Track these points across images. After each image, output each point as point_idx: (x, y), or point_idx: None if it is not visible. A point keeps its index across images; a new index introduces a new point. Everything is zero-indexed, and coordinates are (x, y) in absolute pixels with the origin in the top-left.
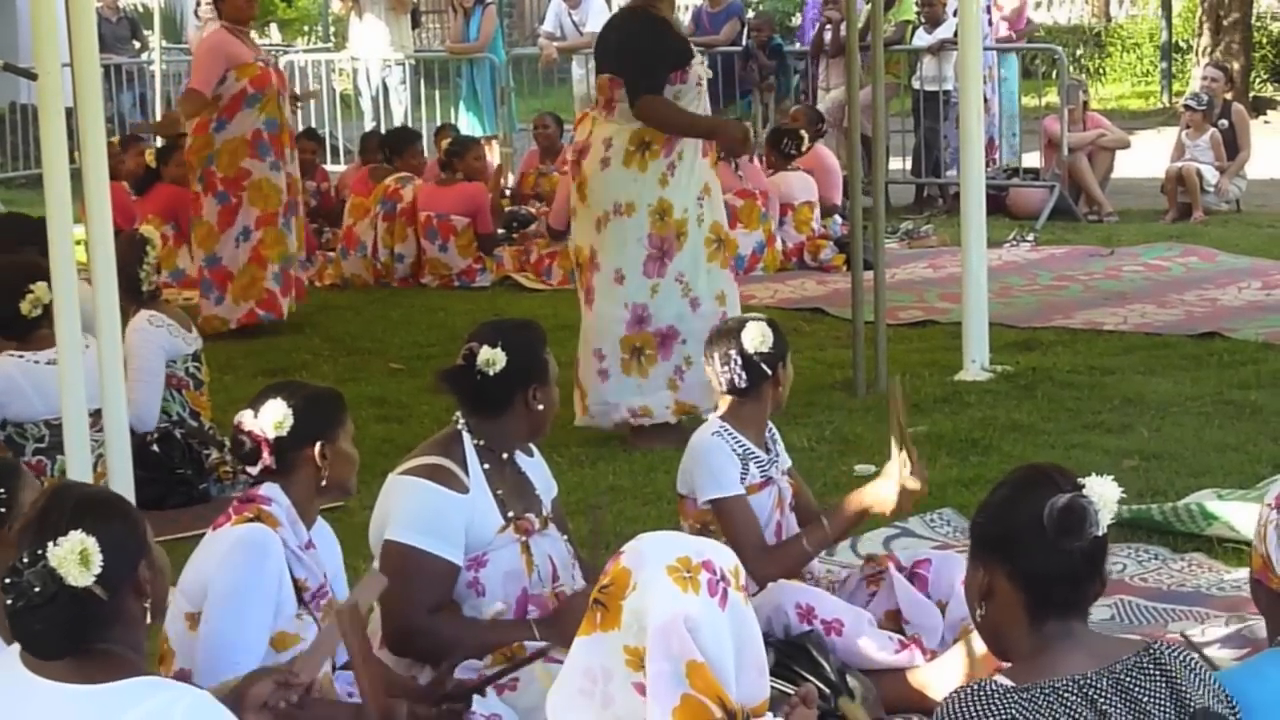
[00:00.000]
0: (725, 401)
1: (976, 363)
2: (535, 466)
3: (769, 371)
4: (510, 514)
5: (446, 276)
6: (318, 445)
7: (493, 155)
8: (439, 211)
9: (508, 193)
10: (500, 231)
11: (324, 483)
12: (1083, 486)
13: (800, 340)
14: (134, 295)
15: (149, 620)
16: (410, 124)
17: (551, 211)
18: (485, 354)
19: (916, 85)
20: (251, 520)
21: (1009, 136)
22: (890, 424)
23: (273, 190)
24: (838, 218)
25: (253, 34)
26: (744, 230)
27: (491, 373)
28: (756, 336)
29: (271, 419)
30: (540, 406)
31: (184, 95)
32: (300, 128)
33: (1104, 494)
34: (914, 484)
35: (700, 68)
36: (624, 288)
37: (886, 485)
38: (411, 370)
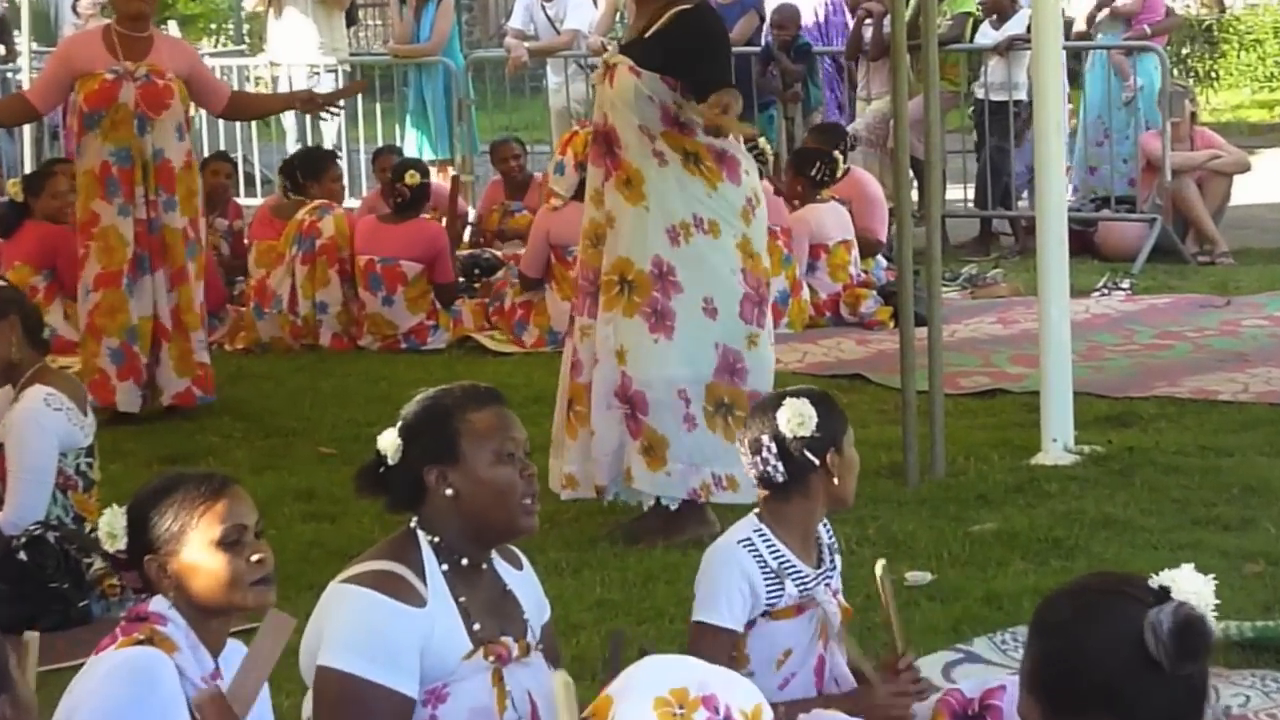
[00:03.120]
0: (764, 497)
1: (1058, 442)
2: (524, 582)
3: (814, 461)
4: (479, 631)
5: (391, 337)
6: None
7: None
8: (384, 255)
9: (467, 232)
10: (460, 280)
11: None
12: (1167, 591)
13: None
14: (35, 347)
15: None
16: (345, 145)
17: (524, 255)
18: (383, 440)
19: (980, 94)
20: (141, 643)
21: (1117, 160)
22: (884, 619)
23: (119, 242)
24: (881, 260)
25: (166, 33)
26: None
27: (391, 462)
28: (794, 417)
29: None
30: (448, 491)
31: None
32: (206, 150)
33: (1199, 592)
34: (901, 709)
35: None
36: (717, 324)
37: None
38: (346, 456)
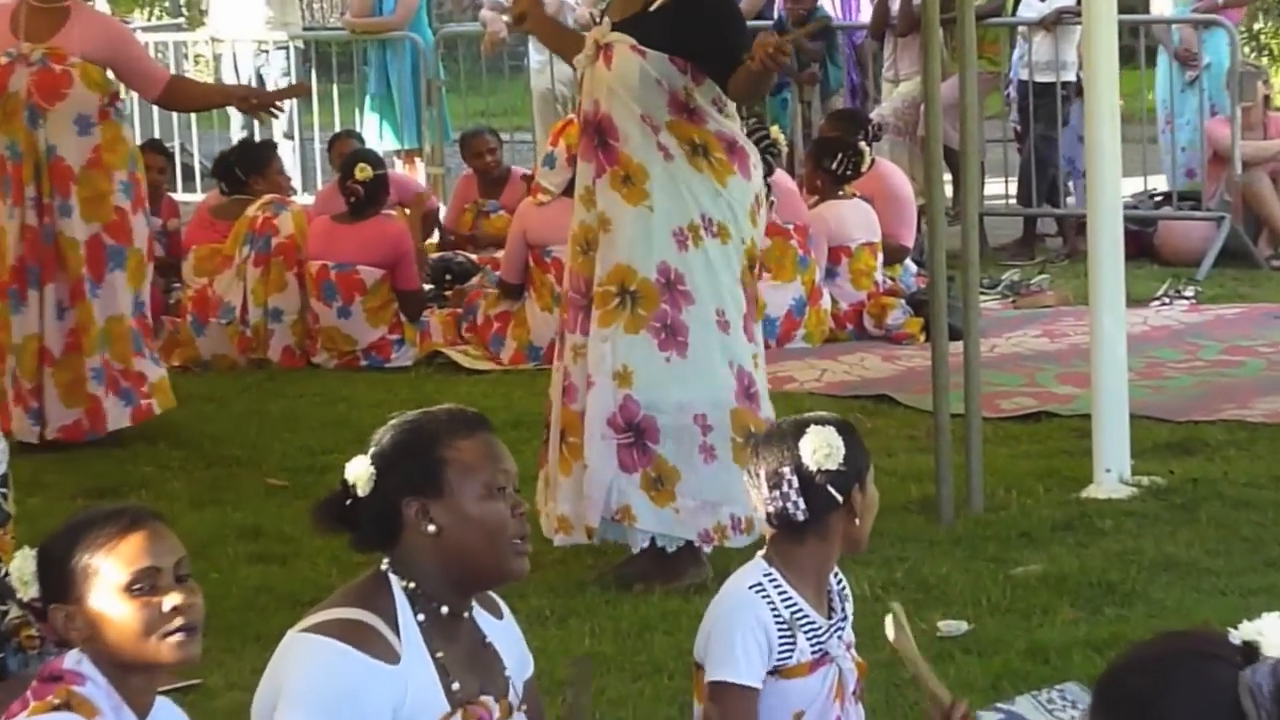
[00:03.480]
0: (774, 537)
1: (1113, 473)
2: (504, 633)
3: (839, 499)
4: (457, 691)
5: (350, 353)
6: None
7: (417, 175)
8: (339, 260)
9: (436, 233)
10: (428, 288)
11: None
12: (1255, 647)
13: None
14: None
15: None
16: (298, 132)
17: (503, 258)
18: (352, 468)
19: (1023, 75)
20: (57, 708)
21: (1176, 149)
22: (912, 674)
23: (2, 247)
24: (911, 265)
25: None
26: (772, 282)
27: (361, 493)
28: (820, 448)
29: None
30: (429, 527)
31: None
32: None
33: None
34: None
35: (585, 55)
36: (730, 340)
37: None
38: (299, 488)
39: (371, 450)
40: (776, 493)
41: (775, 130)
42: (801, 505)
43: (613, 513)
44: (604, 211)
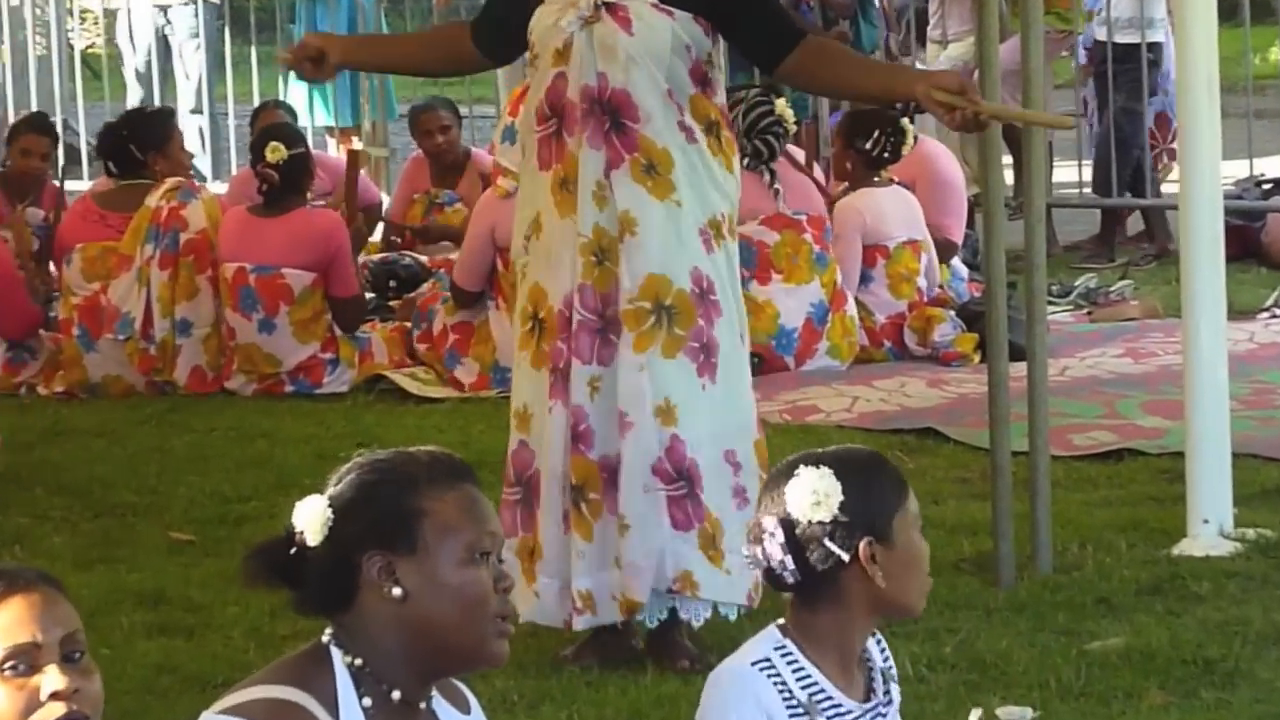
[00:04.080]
0: (790, 603)
1: (1211, 524)
2: None
3: (841, 555)
4: None
5: (272, 376)
6: None
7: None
8: (259, 261)
9: (379, 230)
10: (369, 296)
11: None
12: None
13: None
14: None
15: None
16: (208, 106)
17: (459, 260)
18: (304, 510)
19: (1100, 35)
20: None
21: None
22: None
23: None
24: (962, 268)
25: None
26: (783, 284)
27: (312, 542)
28: (807, 495)
29: None
30: (395, 591)
31: None
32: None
33: None
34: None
35: (557, 7)
36: (746, 355)
37: None
38: (209, 544)
39: (329, 490)
40: (759, 548)
41: (781, 105)
42: (789, 564)
43: (670, 582)
44: (627, 210)
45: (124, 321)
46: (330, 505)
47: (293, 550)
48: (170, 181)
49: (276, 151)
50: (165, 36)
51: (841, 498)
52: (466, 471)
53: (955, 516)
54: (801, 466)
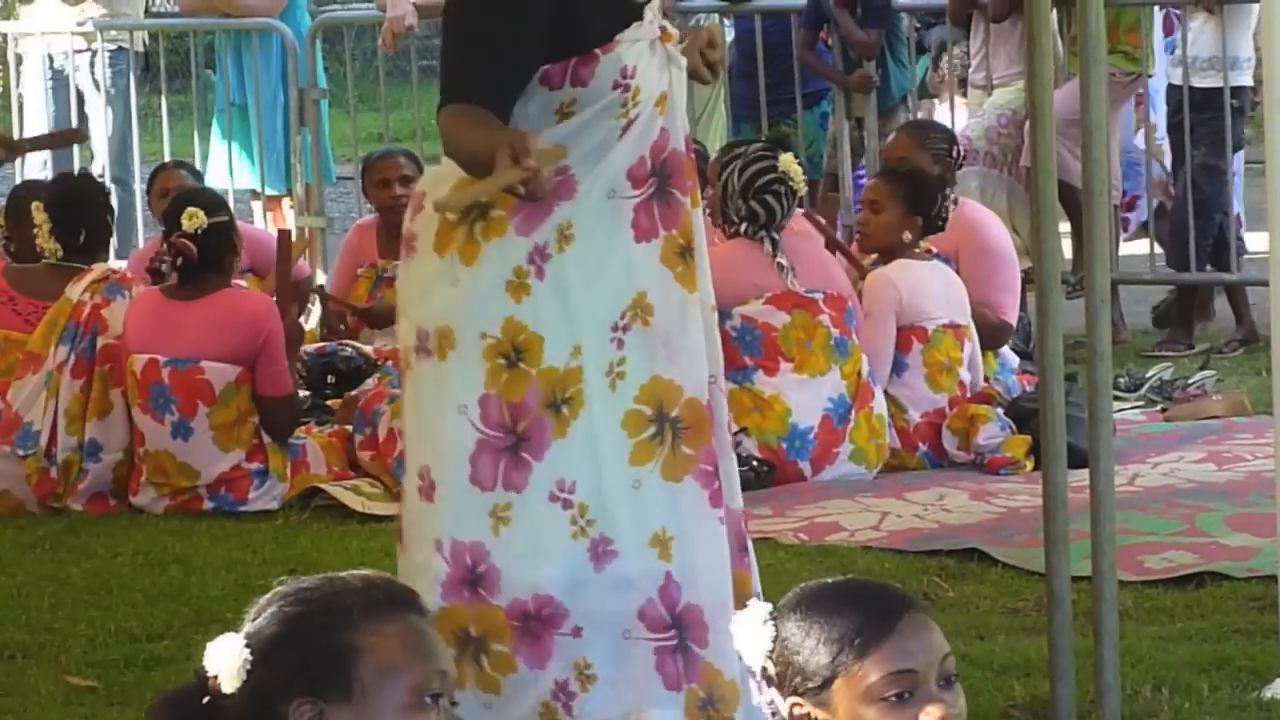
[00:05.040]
0: None
1: None
2: None
3: (781, 710)
4: None
5: (188, 491)
6: None
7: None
8: (173, 353)
9: (312, 310)
10: (303, 395)
11: None
12: None
13: (942, 618)
14: None
15: None
16: (108, 167)
17: None
18: (217, 652)
19: (1174, 79)
20: None
21: None
22: None
23: None
24: (1012, 357)
25: None
26: (795, 375)
27: (228, 689)
28: (740, 634)
29: None
30: None
31: None
32: None
33: None
34: None
35: (645, 41)
36: None
37: None
38: (112, 690)
39: (246, 627)
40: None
41: (788, 160)
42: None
43: None
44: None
45: (25, 434)
46: (248, 644)
47: (205, 699)
48: (97, 270)
49: (194, 219)
50: (74, 84)
51: (768, 644)
52: (410, 600)
53: (1005, 654)
54: (751, 603)
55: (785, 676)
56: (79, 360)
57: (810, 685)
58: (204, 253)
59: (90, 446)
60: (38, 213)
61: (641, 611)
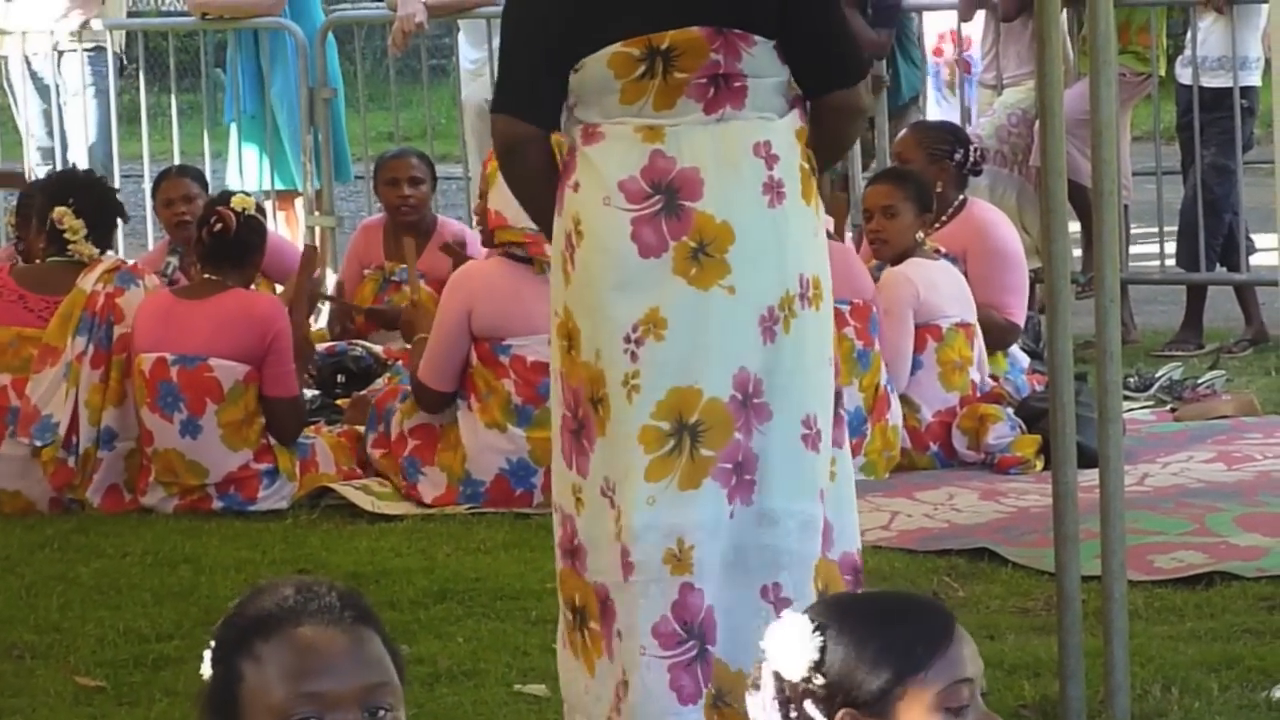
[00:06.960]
0: None
1: None
2: None
3: None
4: None
5: (197, 490)
6: None
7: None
8: (182, 351)
9: (321, 310)
10: (312, 394)
11: None
12: None
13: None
14: None
15: None
16: (115, 166)
17: (426, 353)
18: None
19: (1185, 79)
20: None
21: None
22: None
23: None
24: (1021, 357)
25: None
26: None
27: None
28: (782, 648)
29: None
30: None
31: None
32: None
33: None
34: None
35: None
36: None
37: None
38: (122, 691)
39: (212, 642)
40: (752, 698)
41: None
42: None
43: None
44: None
45: (44, 425)
46: (215, 657)
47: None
48: (109, 261)
49: (245, 202)
50: (59, 84)
51: (816, 656)
52: (323, 610)
53: (1014, 654)
54: (793, 612)
55: (834, 689)
56: (97, 350)
57: (867, 697)
58: (237, 237)
59: (106, 434)
60: (68, 219)
61: (655, 629)
